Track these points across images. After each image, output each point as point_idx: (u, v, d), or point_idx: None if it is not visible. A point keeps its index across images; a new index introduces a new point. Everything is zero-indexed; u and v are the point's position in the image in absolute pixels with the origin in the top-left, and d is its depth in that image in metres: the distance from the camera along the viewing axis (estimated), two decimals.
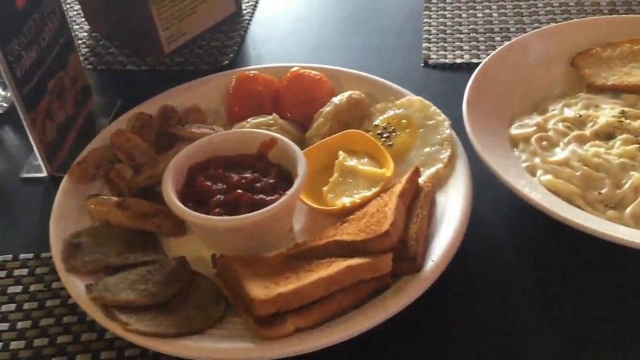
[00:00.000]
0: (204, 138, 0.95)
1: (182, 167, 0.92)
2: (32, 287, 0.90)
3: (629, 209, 0.85)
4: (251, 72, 1.13)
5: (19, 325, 0.85)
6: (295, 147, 0.93)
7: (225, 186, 0.89)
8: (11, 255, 0.95)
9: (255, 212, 0.82)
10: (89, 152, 1.00)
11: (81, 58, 1.32)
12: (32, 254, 0.94)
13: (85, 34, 1.43)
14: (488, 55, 1.09)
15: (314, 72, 1.11)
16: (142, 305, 0.78)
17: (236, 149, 0.96)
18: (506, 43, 1.11)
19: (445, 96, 1.10)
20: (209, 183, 0.89)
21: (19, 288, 0.90)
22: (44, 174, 1.07)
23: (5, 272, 0.92)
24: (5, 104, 1.22)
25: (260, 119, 1.04)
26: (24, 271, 0.92)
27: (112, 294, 0.79)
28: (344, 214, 0.89)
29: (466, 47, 1.28)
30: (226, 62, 1.31)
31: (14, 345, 0.83)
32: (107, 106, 1.21)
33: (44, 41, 1.04)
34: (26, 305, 0.88)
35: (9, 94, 1.21)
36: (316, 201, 0.94)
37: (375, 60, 1.29)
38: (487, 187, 0.92)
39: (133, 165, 0.98)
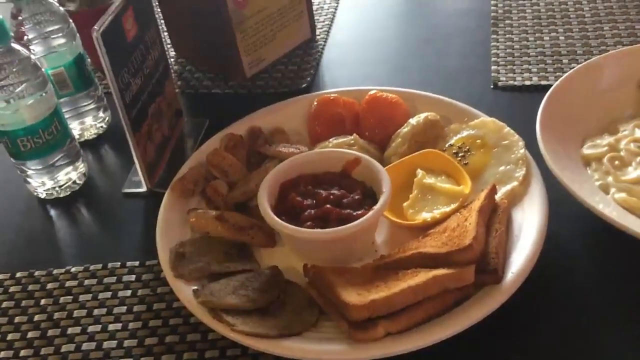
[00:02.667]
0: (292, 157, 1.04)
1: (274, 184, 1.00)
2: (140, 292, 0.99)
3: None
4: (331, 95, 1.21)
5: (131, 325, 0.95)
6: (378, 165, 1.00)
7: (315, 201, 0.97)
8: (119, 263, 1.05)
9: (343, 226, 0.90)
10: (188, 169, 1.09)
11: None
12: (138, 262, 1.04)
13: (172, 59, 1.55)
14: (556, 77, 1.15)
15: (390, 95, 1.18)
16: (245, 309, 0.86)
17: (322, 167, 1.04)
18: (577, 66, 1.15)
19: (515, 117, 1.16)
20: (300, 199, 0.97)
21: (128, 292, 1.00)
22: (143, 189, 1.17)
23: (115, 277, 1.02)
24: (104, 125, 1.34)
25: (342, 139, 1.12)
26: (132, 277, 1.02)
27: (217, 298, 0.87)
28: (425, 228, 0.96)
29: (534, 70, 1.33)
30: (304, 85, 1.40)
31: (126, 343, 0.92)
32: (196, 127, 1.31)
33: (147, 69, 1.14)
34: (136, 308, 0.97)
35: (107, 118, 1.33)
36: (397, 216, 1.00)
37: (446, 83, 1.36)
38: (561, 204, 0.96)
39: (227, 181, 1.08)
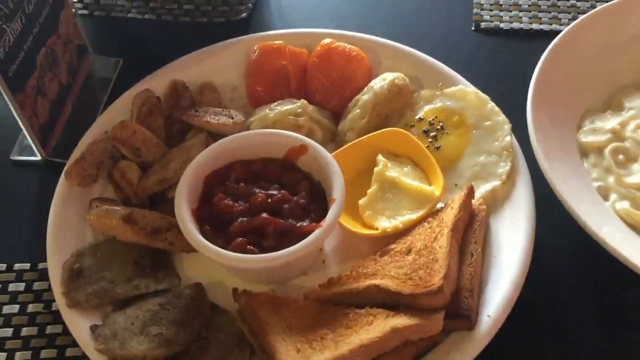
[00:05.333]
0: (222, 141, 0.81)
1: (197, 177, 0.79)
2: (30, 308, 0.80)
3: None
4: (275, 43, 0.96)
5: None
6: (329, 157, 0.79)
7: (248, 205, 0.76)
8: (5, 265, 0.84)
9: (281, 252, 0.71)
10: (88, 146, 0.86)
11: (75, 1, 1.15)
12: (29, 264, 0.84)
13: None
14: (551, 20, 0.93)
15: (349, 46, 0.94)
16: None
17: (260, 153, 0.82)
18: (575, 22, 0.92)
19: (499, 71, 0.98)
20: (229, 202, 0.76)
21: (15, 308, 0.80)
22: (37, 157, 0.94)
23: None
24: None
25: (287, 107, 0.90)
26: (20, 286, 0.82)
27: (120, 342, 0.69)
28: (384, 239, 0.78)
29: (525, 7, 1.09)
30: (244, 14, 1.13)
31: None
32: (107, 69, 1.05)
33: (30, 5, 0.86)
34: (24, 331, 0.78)
35: None
36: (350, 215, 0.81)
37: (419, 17, 1.11)
38: (549, 206, 0.78)
39: (140, 162, 0.85)
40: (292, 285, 0.79)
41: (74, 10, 1.02)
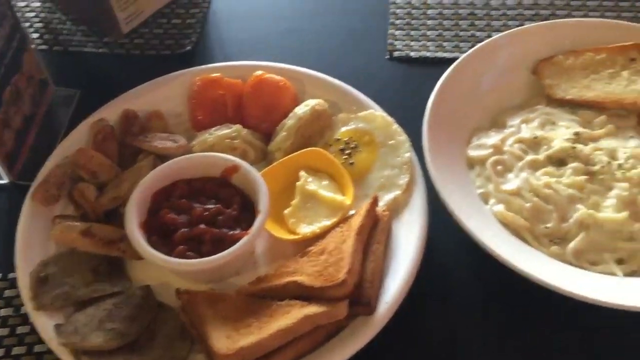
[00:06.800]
0: (167, 163, 0.96)
1: (145, 195, 0.93)
2: (2, 312, 0.93)
3: (571, 245, 0.90)
4: (213, 74, 1.11)
5: None
6: (257, 176, 0.94)
7: (189, 218, 0.91)
8: None
9: (216, 257, 0.86)
10: (50, 170, 0.99)
11: (35, 37, 1.28)
12: (0, 274, 0.97)
13: (39, 3, 1.36)
14: (454, 49, 1.10)
15: (277, 77, 1.09)
16: (111, 349, 0.82)
17: (200, 172, 0.97)
18: (466, 53, 1.08)
19: (409, 95, 1.14)
20: (172, 216, 0.91)
21: None
22: (5, 180, 1.07)
23: None
24: None
25: (224, 131, 1.04)
26: None
27: (81, 337, 0.83)
28: (305, 242, 0.93)
29: (433, 37, 1.26)
30: (188, 47, 1.27)
31: None
32: (67, 100, 1.18)
33: None
34: None
35: None
36: (278, 223, 0.97)
37: (342, 47, 1.27)
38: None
39: (97, 183, 0.99)
40: (228, 283, 0.93)
41: (34, 46, 1.15)
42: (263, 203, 0.91)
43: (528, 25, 1.15)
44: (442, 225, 0.96)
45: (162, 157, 1.02)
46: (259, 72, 1.10)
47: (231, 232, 0.89)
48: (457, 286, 0.95)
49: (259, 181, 0.93)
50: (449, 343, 0.90)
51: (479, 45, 1.10)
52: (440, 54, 1.23)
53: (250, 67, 1.12)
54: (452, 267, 0.98)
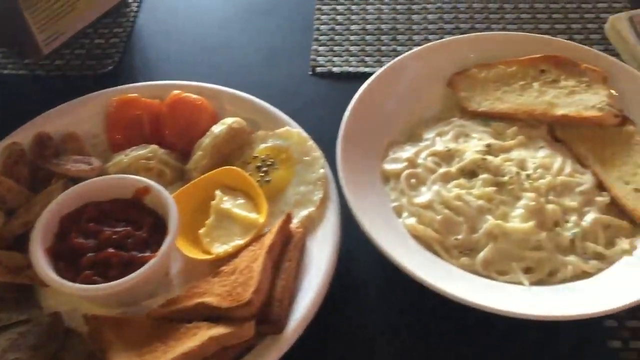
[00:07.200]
0: (76, 186, 0.95)
1: (53, 220, 0.92)
2: None
3: (480, 256, 0.92)
4: (130, 94, 1.10)
5: None
6: (167, 197, 0.93)
7: (97, 241, 0.90)
8: None
9: (120, 281, 0.85)
10: None
11: None
12: None
13: None
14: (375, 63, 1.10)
15: (194, 96, 1.09)
16: None
17: (111, 195, 0.96)
18: (381, 69, 1.10)
19: (331, 110, 1.11)
20: (80, 240, 0.89)
21: None
22: None
23: None
24: None
25: (139, 152, 1.03)
26: None
27: None
28: (219, 262, 0.93)
29: (355, 52, 1.28)
30: (110, 67, 1.26)
31: None
32: None
33: None
34: None
35: None
36: (193, 244, 0.96)
37: (266, 64, 1.28)
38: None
39: (5, 208, 0.97)
40: (143, 307, 0.92)
41: None
42: (172, 224, 0.90)
43: (442, 40, 1.18)
44: (358, 241, 0.96)
45: (76, 180, 1.00)
46: (177, 92, 1.10)
47: (140, 255, 0.89)
48: (372, 300, 0.96)
49: (170, 202, 0.93)
50: (362, 359, 0.90)
51: (393, 60, 1.11)
52: (362, 69, 1.24)
53: (168, 87, 1.11)
54: (368, 281, 0.98)
